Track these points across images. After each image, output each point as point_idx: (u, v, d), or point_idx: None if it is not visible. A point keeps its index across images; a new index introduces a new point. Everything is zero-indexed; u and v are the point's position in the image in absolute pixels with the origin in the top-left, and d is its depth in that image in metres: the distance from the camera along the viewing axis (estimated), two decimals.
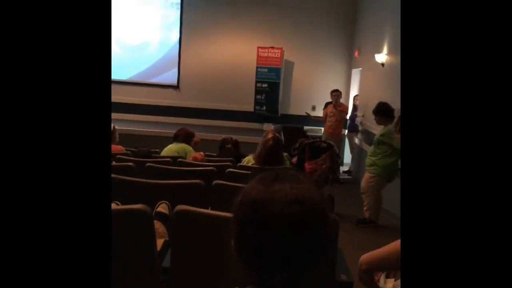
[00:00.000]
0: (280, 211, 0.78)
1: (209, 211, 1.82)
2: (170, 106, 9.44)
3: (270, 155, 3.31)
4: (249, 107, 9.38)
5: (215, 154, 4.96)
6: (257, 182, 0.84)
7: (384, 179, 4.63)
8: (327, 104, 7.99)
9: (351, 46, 9.20)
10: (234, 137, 5.17)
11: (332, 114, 7.41)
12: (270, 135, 3.43)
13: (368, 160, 4.71)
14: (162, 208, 2.25)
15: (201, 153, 4.21)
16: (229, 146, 4.82)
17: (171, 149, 4.30)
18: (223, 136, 5.13)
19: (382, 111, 4.67)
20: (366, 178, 4.73)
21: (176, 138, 4.48)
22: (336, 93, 7.35)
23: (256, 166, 3.33)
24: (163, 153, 4.26)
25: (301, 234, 0.78)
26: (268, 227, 0.78)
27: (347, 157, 8.54)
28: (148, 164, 3.15)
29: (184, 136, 4.46)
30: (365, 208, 4.80)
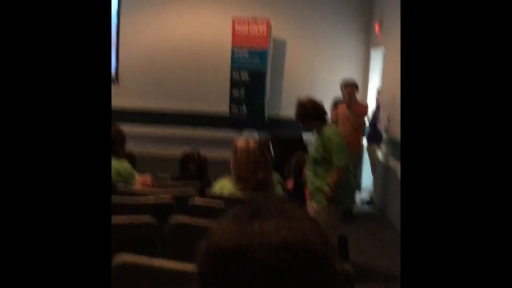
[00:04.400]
0: (261, 263, 0.79)
1: (163, 262, 1.82)
2: None
3: (258, 169, 3.34)
4: (222, 107, 9.42)
5: (169, 176, 4.95)
6: (228, 221, 0.85)
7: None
8: (336, 104, 8.06)
9: (368, 18, 9.36)
10: (201, 152, 5.17)
11: (345, 117, 7.39)
12: (241, 141, 3.47)
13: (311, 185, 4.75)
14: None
15: (148, 175, 4.19)
16: (192, 165, 4.83)
17: None
18: (184, 151, 5.11)
19: (313, 115, 4.72)
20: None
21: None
22: (349, 88, 7.35)
23: (238, 193, 3.35)
24: None
25: None
26: (244, 286, 0.79)
27: (367, 179, 8.62)
28: None
29: (121, 143, 4.33)
30: None
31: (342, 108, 7.40)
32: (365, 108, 7.64)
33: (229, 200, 3.20)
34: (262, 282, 0.78)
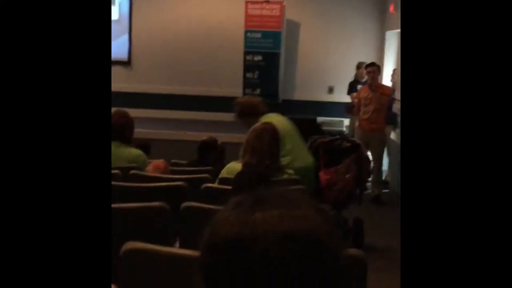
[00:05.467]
0: (263, 253, 0.77)
1: (175, 249, 1.82)
2: (117, 92, 9.41)
3: (261, 149, 3.31)
4: (236, 90, 9.39)
5: (184, 162, 4.96)
6: (230, 210, 0.84)
7: None
8: (352, 85, 7.99)
9: None
10: (219, 139, 5.18)
11: (368, 100, 7.26)
12: (259, 125, 3.45)
13: None
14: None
15: (162, 160, 4.17)
16: (210, 153, 4.85)
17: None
18: (204, 138, 5.13)
19: (248, 113, 4.66)
20: None
21: (120, 136, 4.08)
22: (372, 68, 7.20)
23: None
24: None
25: (296, 286, 0.78)
26: (247, 277, 0.78)
27: (384, 162, 8.58)
28: None
29: (131, 129, 4.25)
30: None
31: (365, 90, 7.29)
32: (389, 90, 7.51)
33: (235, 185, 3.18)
34: (265, 272, 0.77)
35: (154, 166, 4.01)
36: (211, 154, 4.93)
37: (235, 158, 3.96)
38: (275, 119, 4.35)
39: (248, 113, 4.64)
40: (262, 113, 4.59)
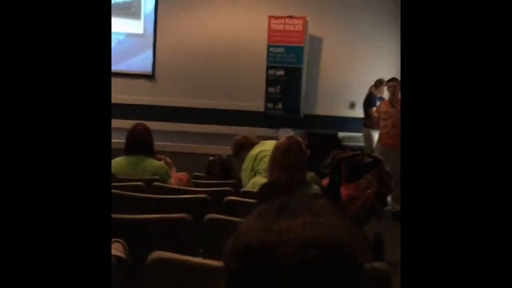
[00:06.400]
0: (288, 259, 0.78)
1: (199, 259, 1.84)
2: (140, 105, 9.52)
3: (284, 160, 3.31)
4: (258, 105, 9.43)
5: (202, 175, 5.02)
6: (254, 219, 0.85)
7: None
8: (369, 99, 7.94)
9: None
10: (226, 156, 5.26)
11: (387, 115, 7.24)
12: (280, 141, 3.46)
13: None
14: (115, 249, 2.27)
15: (184, 173, 4.21)
16: (217, 169, 4.91)
17: (130, 165, 4.16)
18: (210, 158, 5.22)
19: (241, 147, 4.80)
20: None
21: (138, 148, 4.12)
22: (393, 83, 7.17)
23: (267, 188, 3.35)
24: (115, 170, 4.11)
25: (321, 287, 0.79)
26: (270, 283, 0.79)
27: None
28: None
29: (148, 141, 4.31)
30: None
31: (386, 105, 7.27)
32: None
33: (260, 196, 3.19)
34: (289, 279, 0.78)
35: (176, 178, 4.04)
36: (218, 170, 4.99)
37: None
38: (269, 144, 4.40)
39: (241, 147, 4.77)
40: (254, 144, 4.70)
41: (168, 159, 4.48)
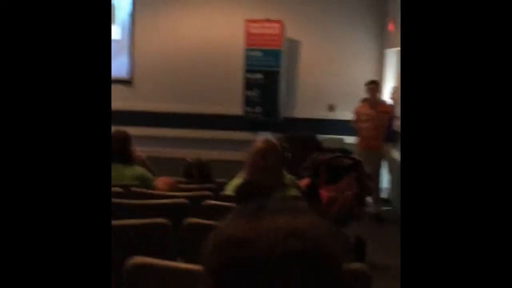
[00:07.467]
0: (269, 250, 0.79)
1: (178, 264, 1.83)
2: (118, 111, 9.44)
3: (262, 164, 3.31)
4: (236, 108, 9.44)
5: (182, 180, 5.00)
6: (233, 217, 0.86)
7: None
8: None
9: (382, 17, 9.33)
10: (205, 160, 5.22)
11: (367, 117, 7.24)
12: (257, 144, 3.46)
13: None
14: None
15: (170, 178, 4.17)
16: (195, 171, 4.89)
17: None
18: (188, 159, 5.18)
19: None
20: None
21: (115, 155, 4.07)
22: (372, 86, 7.18)
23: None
24: None
25: (302, 281, 0.79)
26: (254, 273, 0.79)
27: (384, 178, 8.58)
28: None
29: (126, 147, 4.28)
30: None
31: (365, 107, 7.29)
32: (390, 108, 7.48)
33: (238, 197, 3.18)
34: (269, 271, 0.79)
35: (162, 181, 4.00)
36: (196, 172, 4.97)
37: (234, 175, 3.97)
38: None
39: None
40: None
41: (143, 156, 4.58)
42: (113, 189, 3.63)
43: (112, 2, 9.59)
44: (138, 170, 4.21)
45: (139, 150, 4.83)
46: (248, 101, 9.39)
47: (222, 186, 4.13)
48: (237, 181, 3.56)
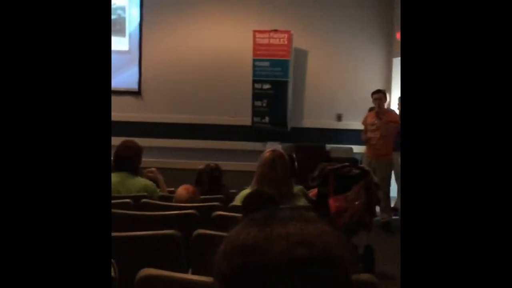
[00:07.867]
0: (280, 256, 0.81)
1: (188, 275, 1.84)
2: (127, 122, 9.49)
3: (270, 175, 3.31)
4: (245, 119, 9.45)
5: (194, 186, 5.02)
6: (245, 225, 0.88)
7: None
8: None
9: (389, 25, 9.33)
10: (216, 163, 5.22)
11: (374, 126, 7.22)
12: (266, 155, 3.46)
13: None
14: None
15: (189, 185, 4.12)
16: (206, 179, 4.89)
17: (118, 182, 4.11)
18: (199, 167, 5.19)
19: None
20: None
21: (123, 165, 4.13)
22: (378, 95, 7.15)
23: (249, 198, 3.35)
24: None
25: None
26: (265, 280, 0.81)
27: (393, 188, 8.53)
28: None
29: (132, 158, 4.25)
30: None
31: (371, 117, 7.25)
32: (396, 117, 7.42)
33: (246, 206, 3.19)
34: (280, 278, 0.80)
35: (185, 188, 3.96)
36: (207, 179, 4.96)
37: (243, 186, 3.98)
38: None
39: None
40: None
41: (153, 169, 4.62)
42: (122, 200, 3.65)
43: (122, 15, 9.67)
44: (143, 181, 4.22)
45: (151, 162, 4.85)
46: (256, 111, 9.39)
47: (231, 196, 4.14)
48: (246, 191, 3.57)
